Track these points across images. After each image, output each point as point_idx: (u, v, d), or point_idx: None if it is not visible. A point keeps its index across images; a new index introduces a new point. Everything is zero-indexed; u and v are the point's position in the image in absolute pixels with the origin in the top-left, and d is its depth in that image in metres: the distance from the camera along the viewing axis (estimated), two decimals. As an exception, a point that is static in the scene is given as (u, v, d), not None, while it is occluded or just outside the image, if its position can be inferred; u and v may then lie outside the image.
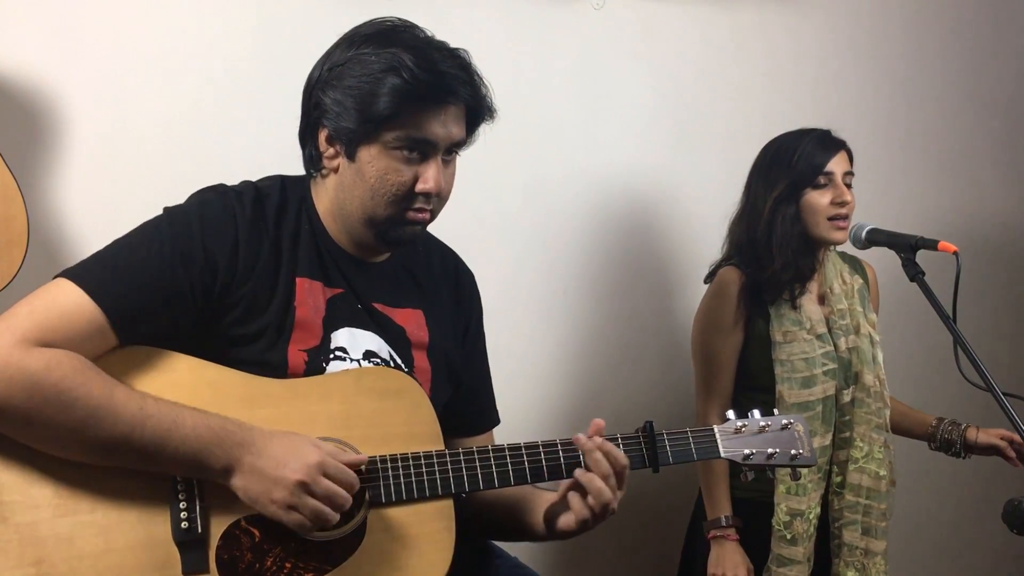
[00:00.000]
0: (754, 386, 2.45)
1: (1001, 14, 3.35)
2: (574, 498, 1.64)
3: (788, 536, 2.36)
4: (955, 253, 2.07)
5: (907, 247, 2.15)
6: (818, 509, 2.40)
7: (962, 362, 1.99)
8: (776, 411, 1.87)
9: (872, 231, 2.26)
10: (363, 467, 1.56)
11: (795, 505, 2.36)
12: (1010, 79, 3.36)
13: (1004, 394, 1.91)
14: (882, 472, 2.43)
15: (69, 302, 1.48)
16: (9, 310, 1.48)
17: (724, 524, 2.40)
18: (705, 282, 2.56)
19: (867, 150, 3.02)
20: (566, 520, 1.67)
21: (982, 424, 2.53)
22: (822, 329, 2.43)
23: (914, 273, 2.11)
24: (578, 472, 1.64)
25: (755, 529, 2.41)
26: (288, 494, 1.46)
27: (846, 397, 2.43)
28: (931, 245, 2.13)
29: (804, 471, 2.19)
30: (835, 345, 2.43)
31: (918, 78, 3.24)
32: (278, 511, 1.47)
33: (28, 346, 1.43)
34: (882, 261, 2.57)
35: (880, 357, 2.49)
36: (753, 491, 2.38)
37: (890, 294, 2.71)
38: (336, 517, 1.50)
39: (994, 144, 3.35)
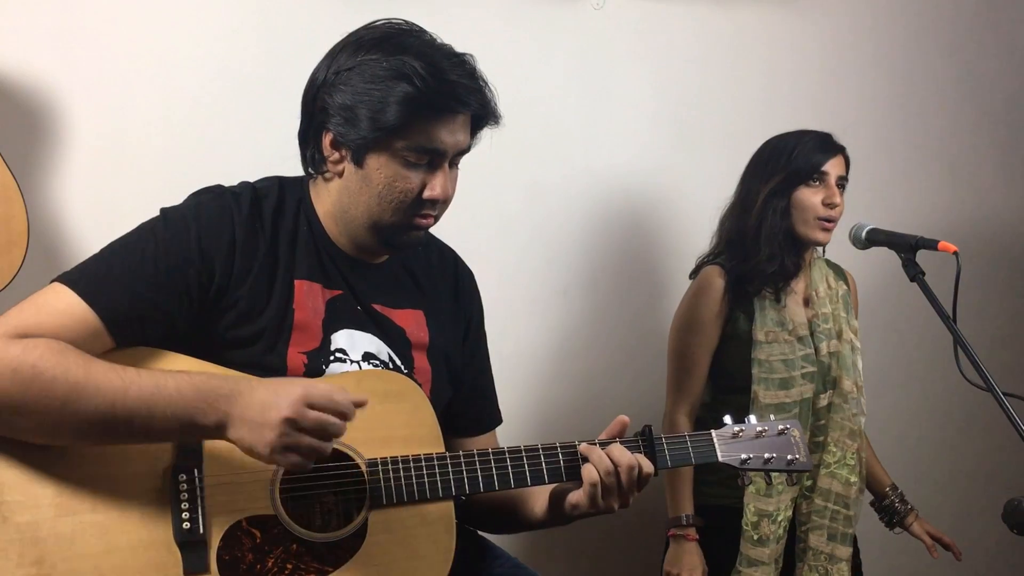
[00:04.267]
0: (730, 387, 2.46)
1: (1001, 14, 3.35)
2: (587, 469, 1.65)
3: (756, 537, 2.37)
4: (955, 253, 2.07)
5: (907, 247, 2.15)
6: (789, 512, 2.40)
7: (962, 362, 1.99)
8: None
9: (872, 231, 2.26)
10: (363, 472, 1.56)
11: (763, 506, 2.37)
12: (1010, 79, 3.36)
13: (1004, 394, 1.91)
14: (852, 479, 2.43)
15: (61, 303, 1.48)
16: (1, 315, 1.48)
17: (684, 523, 2.41)
18: (690, 277, 2.57)
19: (867, 150, 3.03)
20: (576, 495, 1.67)
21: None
22: (804, 332, 2.43)
23: (914, 273, 2.12)
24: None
25: (727, 534, 2.41)
26: (278, 434, 1.43)
27: (823, 401, 2.43)
28: (931, 245, 2.13)
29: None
30: (816, 349, 2.44)
31: (918, 78, 3.24)
32: (274, 455, 1.44)
33: (8, 339, 1.43)
34: (882, 261, 2.57)
35: (860, 364, 2.50)
36: (724, 496, 2.39)
37: (890, 294, 2.71)
38: (330, 448, 1.47)
39: (994, 144, 3.35)
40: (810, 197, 2.40)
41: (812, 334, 2.45)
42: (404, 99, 1.58)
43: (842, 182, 2.44)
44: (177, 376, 1.46)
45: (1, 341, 1.42)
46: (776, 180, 2.41)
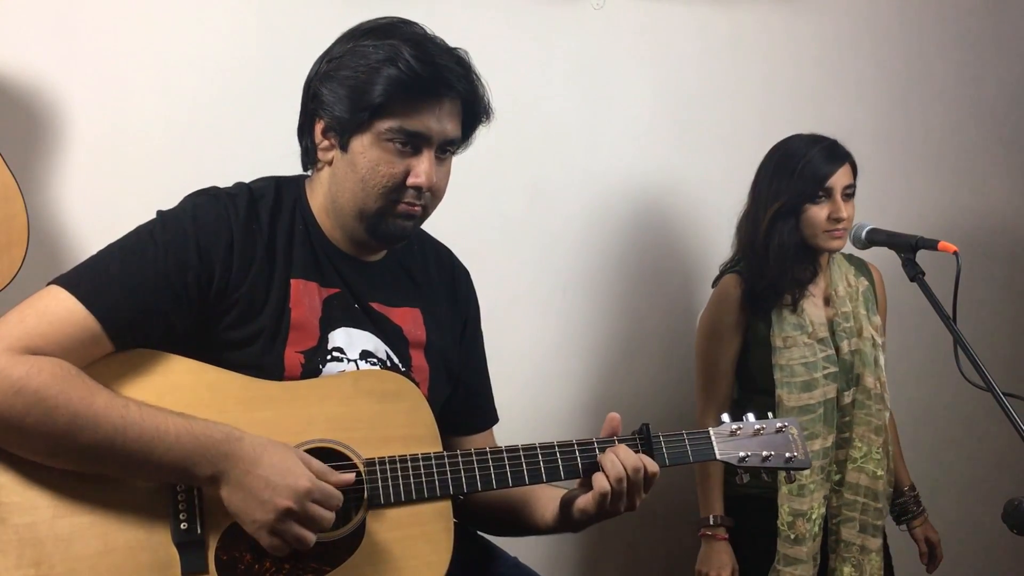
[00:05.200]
0: (756, 389, 2.49)
1: (1001, 13, 3.35)
2: (598, 478, 1.65)
3: (792, 536, 2.40)
4: (955, 253, 2.07)
5: (907, 247, 2.15)
6: (822, 509, 2.43)
7: (962, 362, 1.99)
8: (771, 414, 1.89)
9: (872, 231, 2.26)
10: (361, 472, 1.56)
11: (797, 505, 2.39)
12: (1010, 79, 3.36)
13: (1004, 394, 1.91)
14: (879, 472, 2.47)
15: (62, 309, 1.47)
16: (1, 319, 1.47)
17: (712, 523, 2.45)
18: (712, 286, 2.59)
19: (867, 150, 3.02)
20: (584, 500, 1.67)
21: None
22: (824, 333, 2.45)
23: (914, 273, 2.12)
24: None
25: (755, 525, 2.44)
26: (272, 519, 1.45)
27: (847, 398, 2.46)
28: (931, 245, 2.13)
29: (805, 473, 2.24)
30: (837, 348, 2.46)
31: (918, 78, 3.24)
32: (257, 531, 1.47)
33: (14, 354, 1.42)
34: (882, 261, 2.58)
35: (882, 360, 2.51)
36: (752, 487, 2.40)
37: (890, 294, 2.71)
38: (313, 540, 1.49)
39: (994, 144, 3.35)
40: (817, 214, 2.41)
41: (833, 334, 2.47)
42: (388, 79, 1.59)
43: (849, 190, 2.45)
44: (178, 421, 1.46)
45: (7, 356, 1.42)
46: (782, 200, 2.42)
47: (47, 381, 1.41)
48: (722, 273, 2.57)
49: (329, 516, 1.49)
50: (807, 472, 2.30)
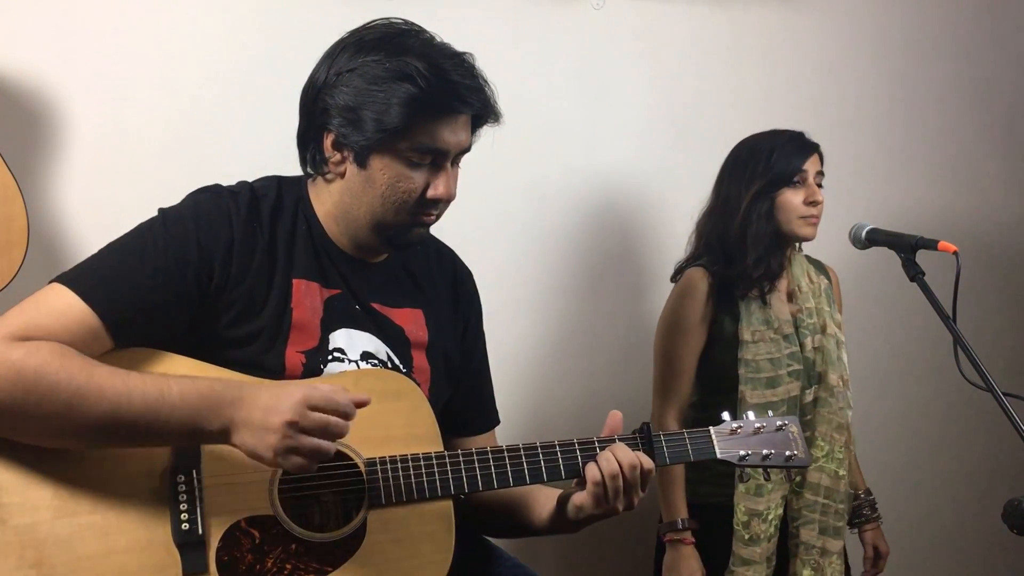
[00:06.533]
0: (718, 388, 2.45)
1: (1001, 13, 3.35)
2: (591, 468, 1.65)
3: (747, 536, 2.37)
4: (955, 253, 2.07)
5: (907, 247, 2.15)
6: (779, 510, 2.40)
7: (962, 362, 1.99)
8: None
9: (872, 231, 2.26)
10: (362, 472, 1.56)
11: (753, 505, 2.37)
12: (1010, 79, 3.36)
13: (1004, 394, 1.91)
14: (841, 472, 2.44)
15: (62, 304, 1.48)
16: (1, 316, 1.48)
17: (680, 527, 2.41)
18: (672, 280, 2.57)
19: (867, 150, 3.03)
20: (580, 496, 1.67)
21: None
22: (789, 329, 2.44)
23: (914, 273, 2.12)
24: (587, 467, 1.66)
25: (721, 532, 2.41)
26: (280, 437, 1.44)
27: (808, 397, 2.44)
28: (931, 245, 2.13)
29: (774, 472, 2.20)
30: (801, 344, 2.45)
31: (918, 77, 3.24)
32: (277, 458, 1.45)
33: (11, 341, 1.43)
34: (882, 261, 2.57)
35: (845, 357, 2.50)
36: (714, 496, 2.40)
37: (890, 294, 2.72)
38: (333, 448, 1.48)
39: (994, 144, 3.35)
40: (792, 198, 2.42)
41: (796, 330, 2.46)
42: (407, 100, 1.59)
43: (819, 178, 2.47)
44: (181, 381, 1.46)
45: (3, 344, 1.42)
46: (757, 185, 2.42)
47: (46, 358, 1.42)
48: (680, 270, 2.55)
49: (338, 421, 1.46)
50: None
